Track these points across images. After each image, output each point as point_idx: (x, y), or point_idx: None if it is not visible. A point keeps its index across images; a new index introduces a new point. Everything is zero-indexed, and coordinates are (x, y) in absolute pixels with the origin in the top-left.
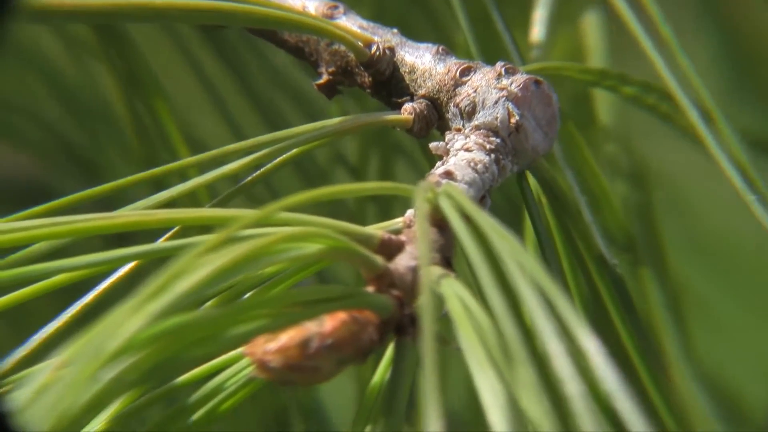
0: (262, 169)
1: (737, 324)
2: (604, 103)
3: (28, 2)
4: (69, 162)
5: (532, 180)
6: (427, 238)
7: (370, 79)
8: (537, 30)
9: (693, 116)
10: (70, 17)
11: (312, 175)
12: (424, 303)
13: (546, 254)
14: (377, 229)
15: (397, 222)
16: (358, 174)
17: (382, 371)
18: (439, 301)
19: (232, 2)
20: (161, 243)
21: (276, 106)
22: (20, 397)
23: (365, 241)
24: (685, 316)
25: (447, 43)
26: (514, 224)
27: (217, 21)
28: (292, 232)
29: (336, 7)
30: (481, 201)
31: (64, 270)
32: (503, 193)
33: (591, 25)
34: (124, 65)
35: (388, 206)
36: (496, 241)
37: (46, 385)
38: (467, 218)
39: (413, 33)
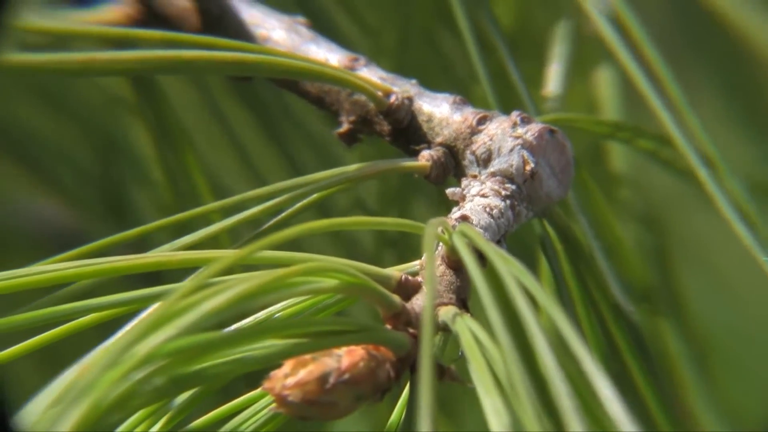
0: (282, 214)
1: (762, 372)
2: (617, 154)
3: (68, 59)
4: (101, 208)
5: (548, 228)
6: (432, 269)
7: (389, 127)
8: (552, 84)
9: (703, 175)
10: (106, 71)
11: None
12: (424, 335)
13: (562, 300)
14: (395, 271)
15: (415, 264)
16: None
17: (398, 411)
18: (454, 339)
19: (258, 54)
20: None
21: (298, 155)
22: (48, 393)
23: (383, 280)
24: (707, 365)
25: (463, 96)
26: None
27: (244, 72)
28: (311, 265)
29: (357, 59)
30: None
31: (94, 309)
32: (516, 242)
33: (605, 78)
34: (157, 118)
35: (405, 252)
36: (511, 275)
37: (74, 381)
38: (482, 257)
39: (430, 86)
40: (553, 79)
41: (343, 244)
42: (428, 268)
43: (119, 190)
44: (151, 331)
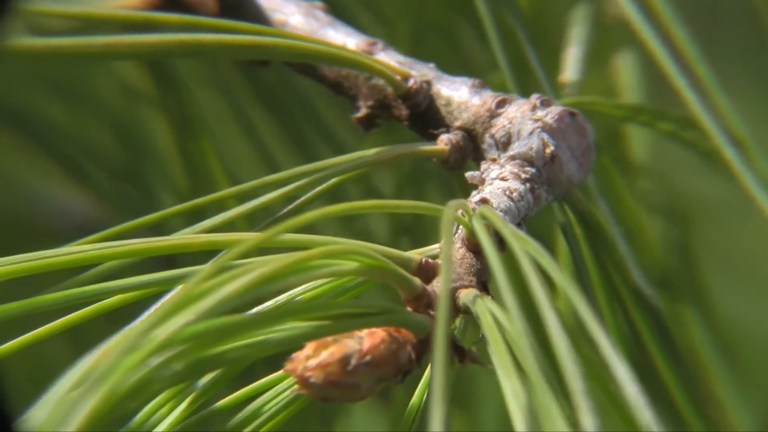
0: (299, 200)
1: None
2: (637, 139)
3: (90, 42)
4: (122, 198)
5: (568, 211)
6: (449, 252)
7: (407, 111)
8: (570, 69)
9: (729, 154)
10: (128, 54)
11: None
12: (439, 315)
13: (582, 284)
14: (415, 254)
15: (435, 248)
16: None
17: (419, 393)
18: (475, 322)
19: (275, 38)
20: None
21: (312, 144)
22: (69, 377)
23: (404, 263)
24: (731, 353)
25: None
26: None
27: (262, 56)
28: (332, 248)
29: (375, 44)
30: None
31: (118, 291)
32: (536, 227)
33: (624, 64)
34: (175, 107)
35: (421, 239)
36: (528, 257)
37: (93, 367)
38: (502, 241)
39: (447, 71)
40: (572, 64)
41: (358, 232)
42: (445, 250)
43: (138, 180)
44: (170, 316)
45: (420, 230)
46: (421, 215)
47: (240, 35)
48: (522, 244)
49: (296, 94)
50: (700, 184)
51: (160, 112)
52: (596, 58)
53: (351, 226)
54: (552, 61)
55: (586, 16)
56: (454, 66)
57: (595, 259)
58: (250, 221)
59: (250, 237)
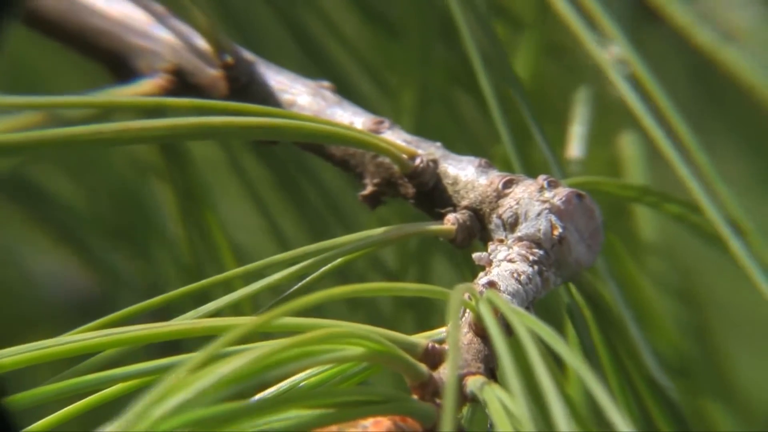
0: (305, 280)
1: None
2: (645, 219)
3: (101, 129)
4: (126, 271)
5: (576, 294)
6: (457, 339)
7: (413, 190)
8: (574, 147)
9: (735, 245)
10: (138, 139)
11: (351, 281)
12: (445, 406)
13: (593, 370)
14: (421, 338)
15: (441, 332)
16: (395, 280)
17: None
18: (481, 409)
19: (284, 119)
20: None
21: (321, 220)
22: None
23: (409, 348)
24: None
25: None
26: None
27: (271, 137)
28: (335, 331)
29: (382, 122)
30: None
31: (119, 379)
32: (544, 310)
33: (628, 142)
34: (181, 179)
35: (426, 313)
36: (537, 342)
37: None
38: (508, 326)
39: (451, 147)
40: (576, 142)
41: (362, 303)
42: (452, 337)
43: (144, 256)
44: (159, 403)
45: (425, 303)
46: (426, 275)
47: (248, 117)
48: (530, 327)
49: (305, 170)
50: (711, 264)
51: (166, 185)
52: (600, 137)
53: (355, 299)
54: (556, 139)
55: (588, 95)
56: (458, 137)
57: (605, 343)
58: (256, 303)
59: (246, 322)
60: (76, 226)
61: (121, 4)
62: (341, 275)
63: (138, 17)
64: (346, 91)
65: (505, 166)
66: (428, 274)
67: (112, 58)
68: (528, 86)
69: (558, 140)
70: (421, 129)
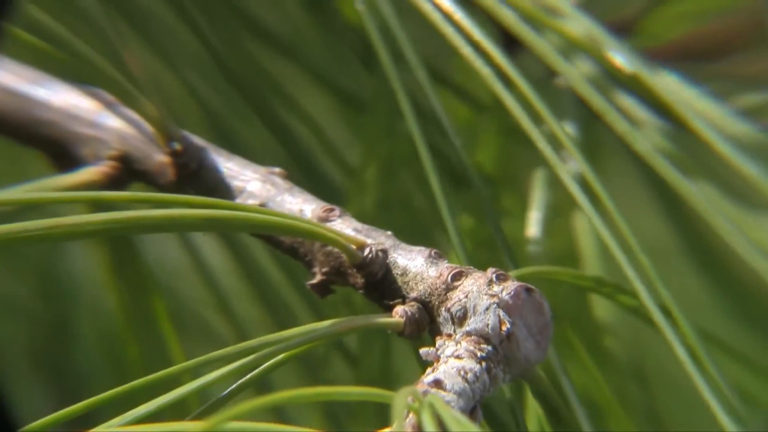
0: (245, 377)
1: None
2: (601, 307)
3: (29, 227)
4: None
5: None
6: None
7: (362, 280)
8: (533, 227)
9: (668, 334)
10: (70, 235)
11: (312, 362)
12: None
13: None
14: None
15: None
16: (357, 363)
17: None
18: None
19: (231, 211)
20: None
21: (281, 298)
22: None
23: None
24: None
25: (446, 237)
26: None
27: (217, 229)
28: None
29: (332, 210)
30: (472, 412)
31: None
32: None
33: (584, 225)
34: (127, 262)
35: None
36: None
37: None
38: None
39: (416, 224)
40: (534, 223)
41: (325, 381)
42: None
43: (77, 348)
44: None
45: (387, 379)
46: (390, 367)
47: (192, 209)
48: None
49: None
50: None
51: (109, 269)
52: (558, 216)
53: (316, 375)
54: (516, 217)
55: (545, 177)
56: (424, 214)
57: None
58: (205, 397)
59: (189, 429)
60: None
61: (67, 94)
62: (300, 356)
63: (85, 106)
64: (308, 168)
65: (459, 260)
66: (392, 351)
67: (55, 148)
68: (490, 165)
69: (519, 218)
70: (384, 205)
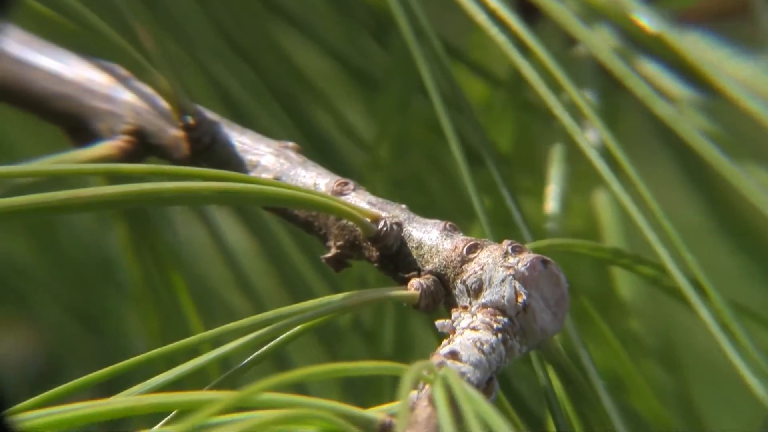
0: (263, 349)
1: None
2: (621, 277)
3: (50, 198)
4: (84, 336)
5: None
6: (405, 421)
7: (377, 253)
8: (551, 203)
9: (696, 302)
10: (89, 206)
11: (328, 338)
12: None
13: None
14: (379, 412)
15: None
16: (373, 337)
17: None
18: None
19: (244, 184)
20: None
21: (297, 273)
22: None
23: (365, 423)
24: None
25: (459, 215)
26: (539, 411)
27: (231, 202)
28: (288, 413)
29: (346, 184)
30: (488, 384)
31: None
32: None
33: (604, 199)
34: (145, 237)
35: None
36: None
37: None
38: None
39: (430, 201)
40: (552, 199)
41: (343, 357)
42: (401, 419)
43: (104, 315)
44: None
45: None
46: (407, 342)
47: (207, 182)
48: (481, 415)
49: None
50: (688, 323)
51: (128, 240)
52: (578, 191)
53: (334, 349)
54: (535, 194)
55: (564, 152)
56: (438, 191)
57: (578, 415)
58: (224, 366)
59: (218, 398)
60: (28, 289)
61: (81, 68)
62: (317, 332)
63: (99, 80)
64: (322, 146)
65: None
66: (407, 324)
67: (72, 122)
68: (506, 143)
69: (537, 195)
70: (400, 182)
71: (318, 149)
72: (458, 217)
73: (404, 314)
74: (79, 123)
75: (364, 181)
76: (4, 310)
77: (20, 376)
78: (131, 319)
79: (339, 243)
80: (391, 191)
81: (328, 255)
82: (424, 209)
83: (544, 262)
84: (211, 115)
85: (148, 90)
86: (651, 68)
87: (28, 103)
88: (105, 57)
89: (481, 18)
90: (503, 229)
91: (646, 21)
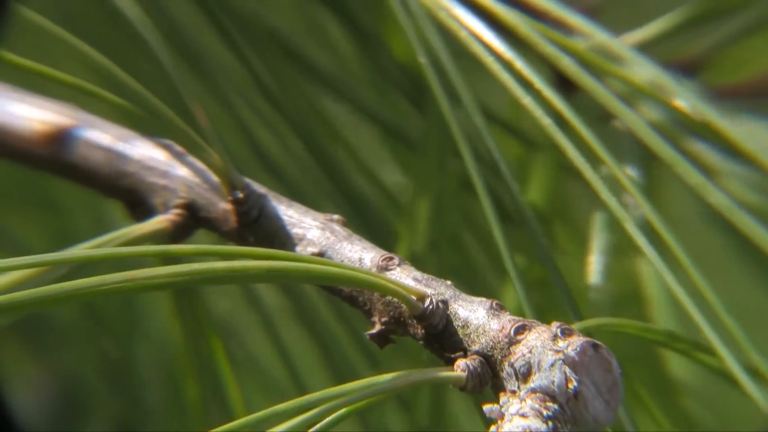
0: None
1: None
2: (674, 360)
3: (105, 281)
4: (104, 384)
5: None
6: None
7: (422, 331)
8: (593, 274)
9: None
10: (144, 288)
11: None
12: None
13: None
14: None
15: None
16: (410, 409)
17: None
18: None
19: (291, 262)
20: None
21: (340, 351)
22: None
23: None
24: None
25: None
26: None
27: (278, 281)
28: None
29: (391, 259)
30: None
31: None
32: None
33: (648, 270)
34: (189, 304)
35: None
36: None
37: None
38: None
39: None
40: (595, 269)
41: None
42: None
43: (128, 365)
44: None
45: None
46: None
47: (254, 261)
48: None
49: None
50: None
51: (174, 316)
52: (621, 261)
53: (368, 419)
54: (575, 263)
55: (604, 221)
56: (475, 248)
57: None
58: None
59: None
60: (52, 333)
61: (144, 147)
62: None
63: (158, 158)
64: (359, 206)
65: (520, 311)
66: (444, 401)
67: (131, 197)
68: (543, 205)
69: (576, 259)
70: (435, 243)
71: (357, 211)
72: (497, 279)
73: (442, 387)
74: (138, 198)
75: (401, 242)
76: (27, 350)
77: (36, 418)
78: (153, 370)
79: (384, 319)
80: (428, 252)
81: (373, 331)
82: (460, 271)
83: (595, 346)
84: (258, 187)
85: (200, 165)
86: (698, 147)
87: (99, 183)
88: (164, 135)
89: (517, 90)
90: (538, 293)
91: (689, 107)
